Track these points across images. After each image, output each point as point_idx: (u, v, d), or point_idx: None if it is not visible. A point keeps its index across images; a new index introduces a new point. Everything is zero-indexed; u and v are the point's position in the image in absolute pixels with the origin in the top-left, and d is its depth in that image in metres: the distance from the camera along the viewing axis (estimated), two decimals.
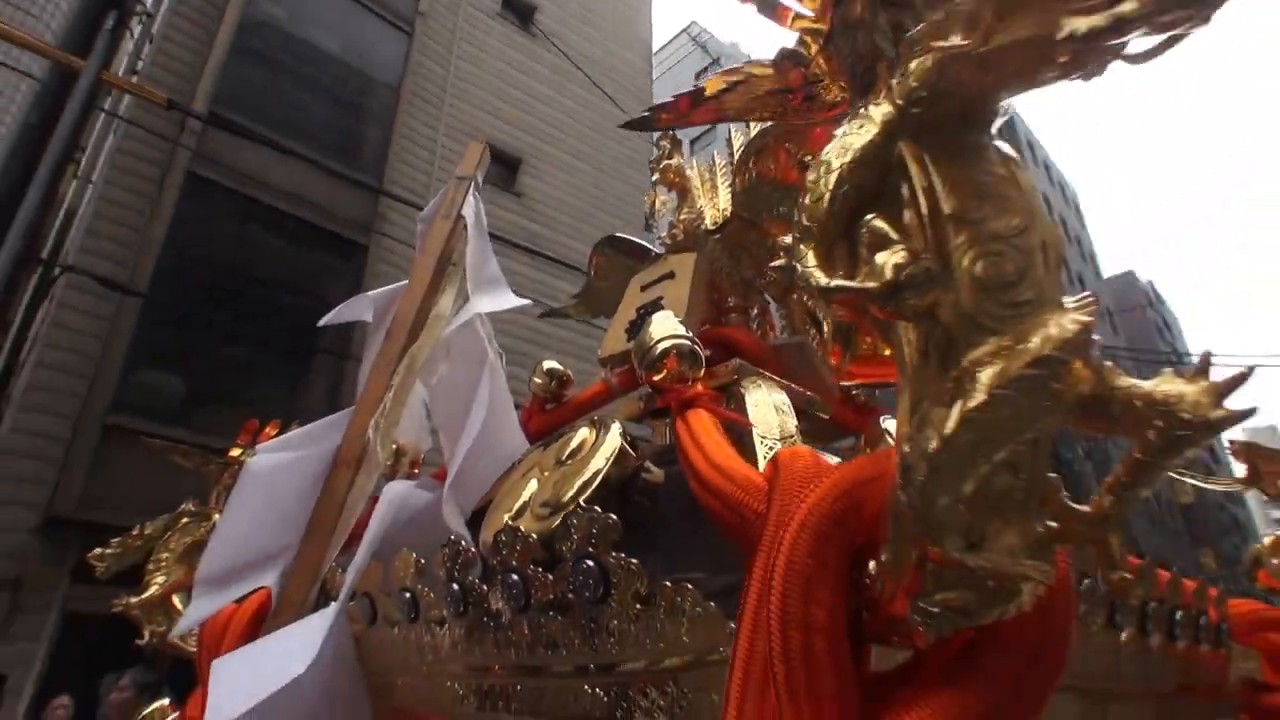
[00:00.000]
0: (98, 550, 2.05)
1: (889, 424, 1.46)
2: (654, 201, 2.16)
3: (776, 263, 2.16)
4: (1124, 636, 1.08)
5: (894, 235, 0.56)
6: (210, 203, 8.87)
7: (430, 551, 1.14)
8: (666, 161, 2.06)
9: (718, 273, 2.01)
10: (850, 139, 0.59)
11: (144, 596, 1.86)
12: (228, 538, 1.46)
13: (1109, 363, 0.53)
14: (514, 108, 12.48)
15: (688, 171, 2.08)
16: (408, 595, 1.15)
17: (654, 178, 2.07)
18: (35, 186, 6.12)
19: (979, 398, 0.49)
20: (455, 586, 1.06)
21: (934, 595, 0.53)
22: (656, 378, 1.14)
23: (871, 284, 0.53)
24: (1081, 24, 0.47)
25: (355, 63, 10.65)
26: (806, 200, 0.61)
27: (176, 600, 1.86)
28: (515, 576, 0.97)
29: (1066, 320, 0.51)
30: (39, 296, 8.18)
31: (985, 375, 0.50)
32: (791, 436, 1.16)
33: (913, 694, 0.55)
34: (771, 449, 1.12)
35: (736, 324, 2.00)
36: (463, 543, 1.09)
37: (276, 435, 1.95)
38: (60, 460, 7.33)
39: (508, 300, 2.04)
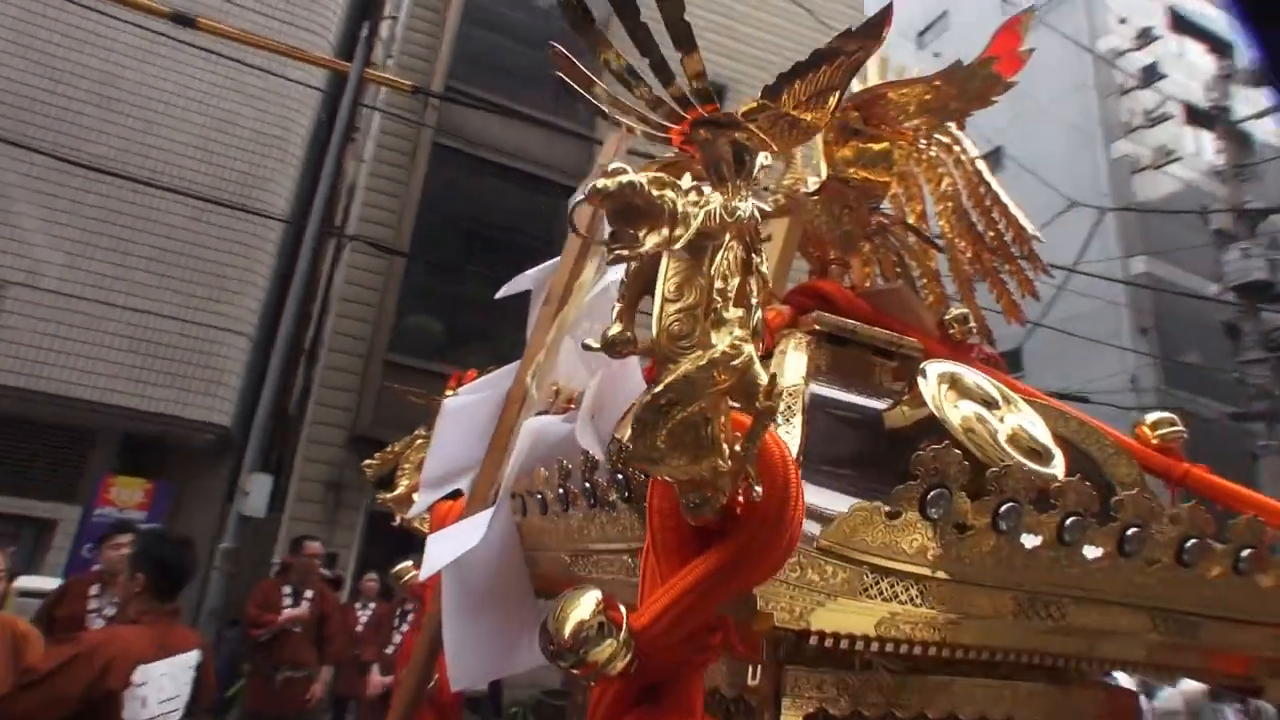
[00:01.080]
0: (366, 461, 2.97)
1: (935, 368, 1.71)
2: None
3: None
4: None
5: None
6: (453, 167, 10.18)
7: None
8: None
9: (818, 229, 2.28)
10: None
11: (394, 494, 2.69)
12: (437, 454, 2.11)
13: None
14: (717, 34, 12.55)
15: None
16: (538, 496, 1.69)
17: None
18: (326, 171, 7.54)
19: (665, 380, 0.87)
20: (587, 484, 1.54)
21: (684, 495, 0.93)
22: None
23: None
24: None
25: (560, 15, 11.34)
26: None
27: (414, 496, 2.62)
28: (620, 477, 1.42)
29: (714, 351, 0.88)
30: (335, 261, 10.03)
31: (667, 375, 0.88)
32: (795, 385, 1.50)
33: (702, 550, 0.95)
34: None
35: (835, 276, 2.28)
36: (592, 455, 1.57)
37: (475, 379, 2.60)
38: (358, 390, 9.09)
39: None
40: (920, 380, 1.64)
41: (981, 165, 2.29)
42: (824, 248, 2.31)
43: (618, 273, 2.37)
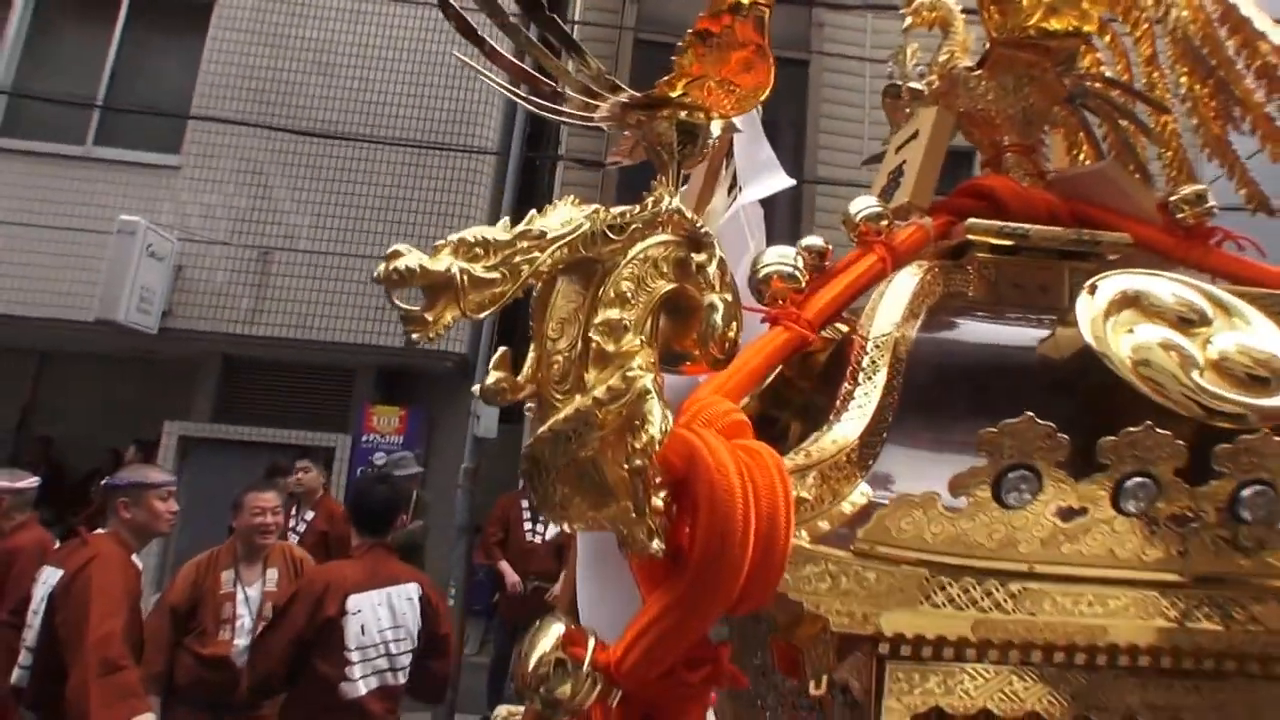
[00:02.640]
0: None
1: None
2: (904, 55, 2.14)
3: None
4: None
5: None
6: (658, 63, 10.09)
7: None
8: (919, 0, 2.03)
9: (987, 111, 1.96)
10: None
11: None
12: None
13: None
14: None
15: (947, 1, 2.02)
16: None
17: (905, 24, 2.06)
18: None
19: (538, 430, 0.83)
20: None
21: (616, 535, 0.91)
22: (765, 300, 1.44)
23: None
24: None
25: None
26: None
27: None
28: None
29: (585, 399, 0.81)
30: (550, 181, 10.59)
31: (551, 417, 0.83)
32: (885, 334, 1.34)
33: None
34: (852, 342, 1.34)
35: (1013, 165, 1.95)
36: None
37: None
38: None
39: (778, 182, 2.31)
40: (1081, 300, 1.38)
41: None
42: (997, 133, 1.99)
43: (751, 197, 2.27)
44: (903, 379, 1.32)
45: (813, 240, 1.92)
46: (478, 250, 0.86)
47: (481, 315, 0.86)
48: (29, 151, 8.92)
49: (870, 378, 1.29)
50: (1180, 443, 1.06)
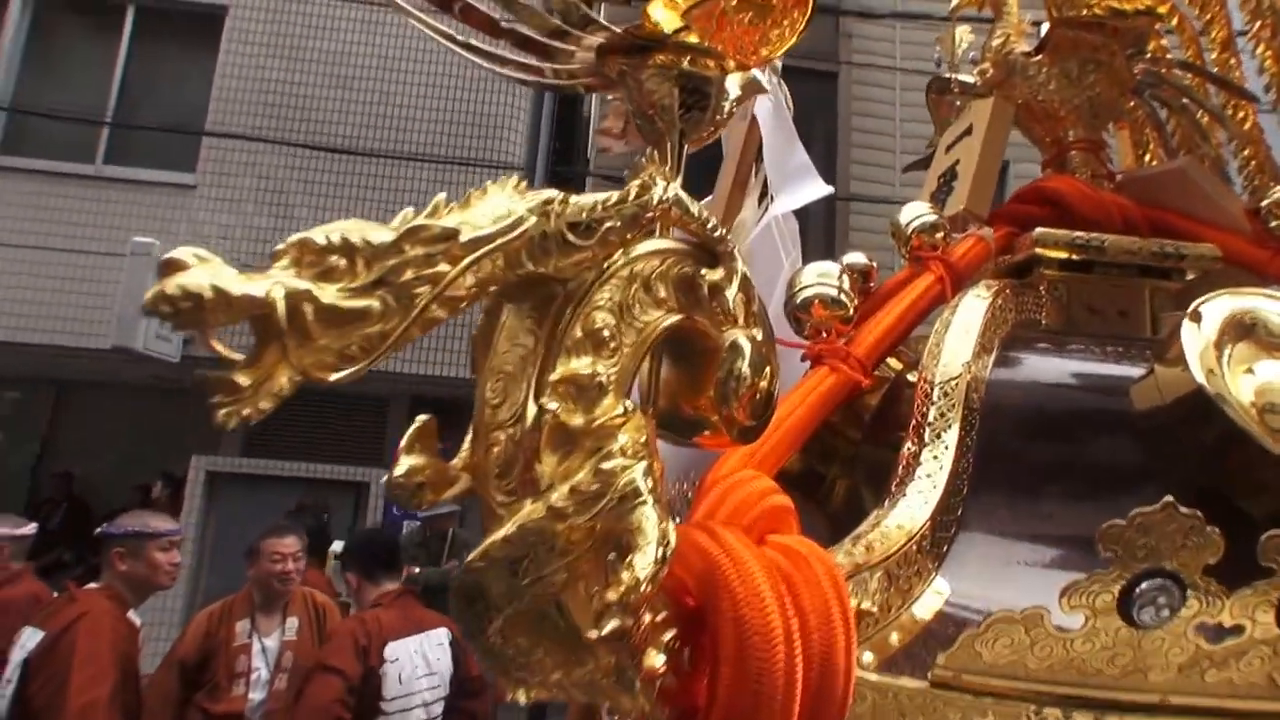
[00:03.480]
0: None
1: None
2: (952, 40, 1.87)
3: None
4: None
5: None
6: None
7: None
8: None
9: (1049, 102, 1.69)
10: None
11: None
12: None
13: None
14: None
15: None
16: None
17: (952, 4, 1.79)
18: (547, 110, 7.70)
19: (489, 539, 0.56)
20: None
21: None
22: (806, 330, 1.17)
23: None
24: None
25: None
26: None
27: None
28: None
29: (537, 509, 0.53)
30: None
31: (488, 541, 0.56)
32: (955, 378, 1.07)
33: None
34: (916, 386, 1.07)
35: (1079, 164, 1.68)
36: None
37: None
38: None
39: (814, 191, 2.05)
40: (1186, 329, 1.11)
41: None
42: (1060, 127, 1.72)
43: (784, 207, 2.00)
44: (977, 435, 1.05)
45: (855, 257, 1.62)
46: (335, 260, 0.53)
47: (349, 377, 0.53)
48: (35, 170, 8.47)
49: (939, 436, 1.02)
50: None
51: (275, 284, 0.50)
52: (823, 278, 1.19)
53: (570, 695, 0.61)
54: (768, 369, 0.67)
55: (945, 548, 0.96)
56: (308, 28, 9.08)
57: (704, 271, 0.66)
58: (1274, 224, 1.55)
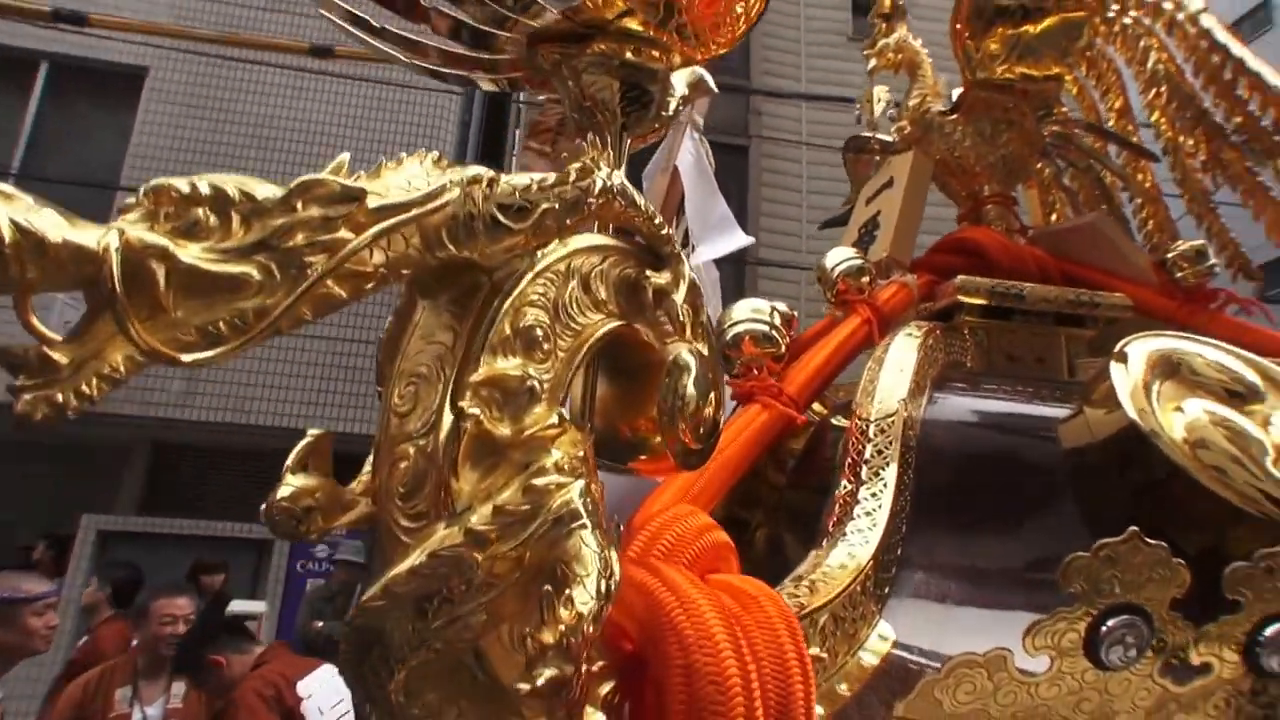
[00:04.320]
0: None
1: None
2: (870, 99, 1.90)
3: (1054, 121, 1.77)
4: None
5: None
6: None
7: None
8: (883, 41, 1.79)
9: (964, 158, 1.71)
10: None
11: None
12: None
13: None
14: None
15: (912, 43, 1.78)
16: None
17: (869, 65, 1.82)
18: None
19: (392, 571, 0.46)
20: None
21: None
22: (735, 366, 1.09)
23: None
24: None
25: None
26: None
27: None
28: None
29: (453, 531, 0.44)
30: None
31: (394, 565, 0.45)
32: (891, 415, 1.01)
33: None
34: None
35: (994, 218, 1.69)
36: None
37: None
38: None
39: (735, 241, 2.03)
40: (1114, 369, 1.08)
41: (1211, 23, 1.59)
42: (975, 182, 1.74)
43: (706, 256, 1.96)
44: (914, 474, 0.99)
45: (777, 305, 1.62)
46: (202, 214, 0.42)
47: (212, 360, 0.41)
48: None
49: (878, 473, 0.95)
50: None
51: (113, 231, 0.38)
52: (755, 313, 1.12)
53: None
54: (714, 392, 0.59)
55: (886, 589, 0.88)
56: (232, 90, 8.91)
57: (649, 274, 0.57)
58: (1179, 275, 1.59)
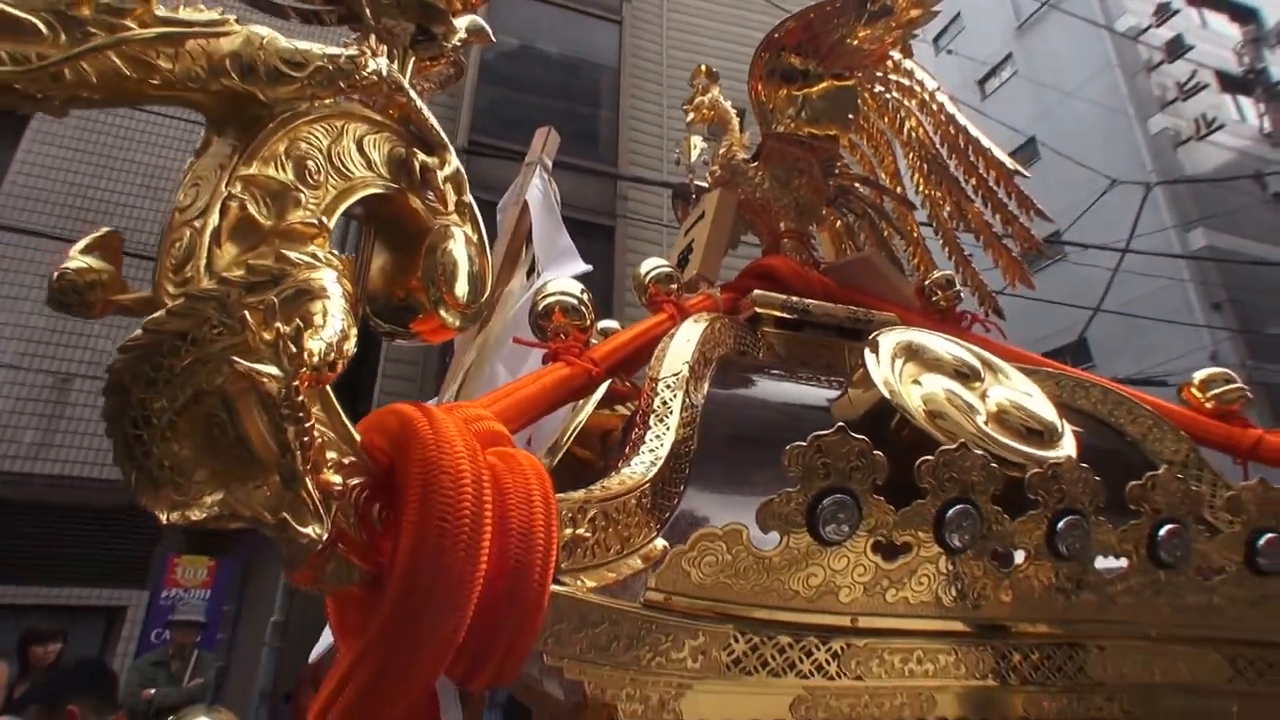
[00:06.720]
0: None
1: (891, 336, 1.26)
2: (687, 147, 2.05)
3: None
4: None
5: None
6: (485, 221, 10.02)
7: None
8: (699, 98, 1.94)
9: (766, 199, 1.86)
10: None
11: None
12: None
13: None
14: (736, 62, 12.17)
15: (723, 103, 1.94)
16: None
17: (688, 119, 1.96)
18: (362, 246, 7.42)
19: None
20: None
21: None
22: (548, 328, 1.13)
23: None
24: None
25: (577, 62, 11.22)
26: None
27: None
28: None
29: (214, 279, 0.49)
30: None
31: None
32: (676, 374, 1.07)
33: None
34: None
35: (790, 250, 1.84)
36: None
37: None
38: None
39: (576, 267, 2.10)
40: (868, 356, 1.20)
41: (946, 100, 1.84)
42: (774, 220, 1.89)
43: (554, 274, 2.00)
44: (699, 430, 1.04)
45: (608, 323, 1.69)
46: None
47: None
48: None
49: (663, 420, 1.00)
50: (994, 465, 0.84)
51: None
52: (564, 290, 1.17)
53: (237, 514, 0.47)
54: (482, 273, 0.62)
55: (668, 514, 0.91)
56: (122, 138, 8.31)
57: (419, 153, 0.61)
58: (935, 298, 1.78)
